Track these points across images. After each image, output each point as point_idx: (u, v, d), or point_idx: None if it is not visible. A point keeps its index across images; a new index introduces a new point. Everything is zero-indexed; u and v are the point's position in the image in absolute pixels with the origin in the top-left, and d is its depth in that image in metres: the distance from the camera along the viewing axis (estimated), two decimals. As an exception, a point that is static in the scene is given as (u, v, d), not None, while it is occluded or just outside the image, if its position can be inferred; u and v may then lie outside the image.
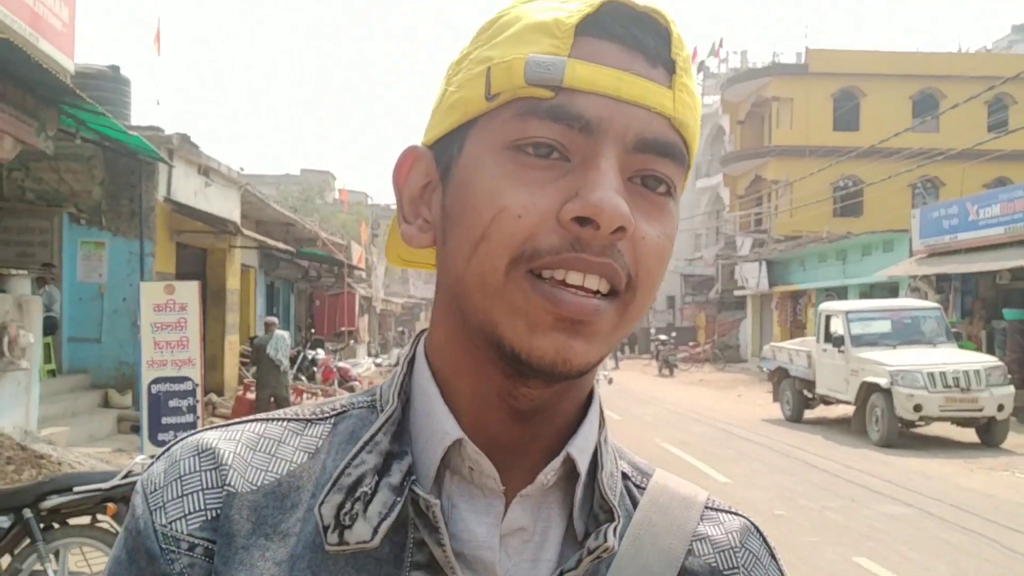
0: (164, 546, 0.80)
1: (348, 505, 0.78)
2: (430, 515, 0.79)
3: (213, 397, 17.10)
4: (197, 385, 11.55)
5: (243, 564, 0.79)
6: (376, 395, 0.90)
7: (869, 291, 29.62)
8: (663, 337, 41.79)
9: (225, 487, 0.82)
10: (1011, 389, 16.12)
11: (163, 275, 14.76)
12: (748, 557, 0.94)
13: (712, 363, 41.91)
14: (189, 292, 11.72)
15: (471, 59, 0.84)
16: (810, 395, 19.93)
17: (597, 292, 0.76)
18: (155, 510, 0.82)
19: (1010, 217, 21.50)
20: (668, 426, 16.08)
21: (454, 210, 0.81)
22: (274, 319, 16.24)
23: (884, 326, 18.15)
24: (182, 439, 0.87)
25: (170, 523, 0.81)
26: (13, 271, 10.96)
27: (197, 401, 11.58)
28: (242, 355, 19.84)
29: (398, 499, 0.79)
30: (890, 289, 27.72)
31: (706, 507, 0.96)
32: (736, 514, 0.99)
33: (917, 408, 15.72)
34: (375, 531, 0.77)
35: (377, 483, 0.80)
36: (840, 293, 31.18)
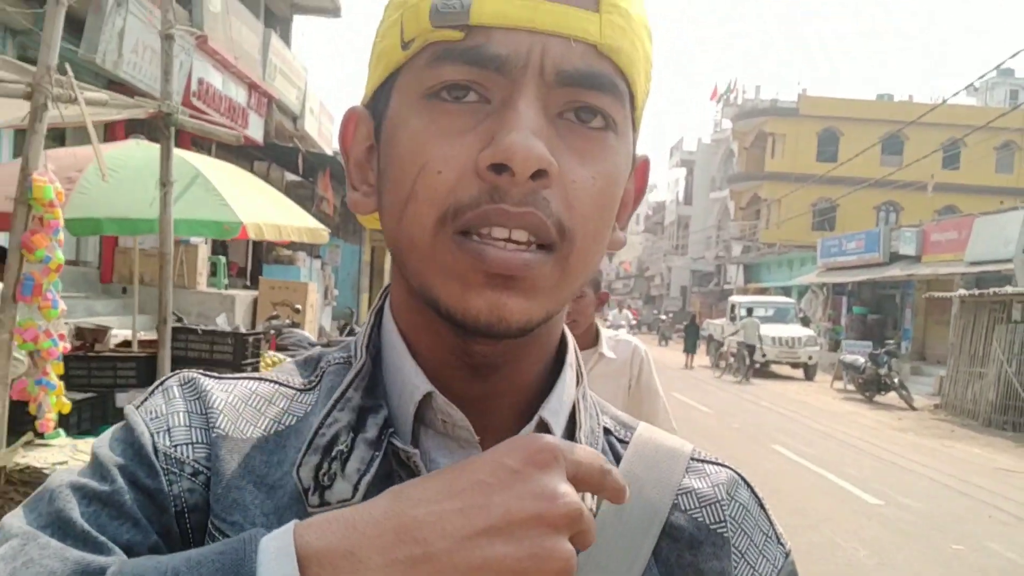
0: (166, 466, 0.78)
1: (326, 465, 0.76)
2: (411, 464, 0.77)
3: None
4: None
5: (237, 504, 0.77)
6: (350, 351, 0.87)
7: (805, 290, 41.72)
8: (663, 317, 54.84)
9: (216, 429, 0.81)
10: (817, 348, 29.50)
11: (367, 263, 28.25)
12: (737, 509, 0.90)
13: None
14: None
15: (391, 4, 0.79)
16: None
17: (529, 244, 0.71)
18: (158, 432, 0.80)
19: (859, 250, 34.44)
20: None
21: (384, 169, 0.78)
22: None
23: (762, 311, 31.56)
24: (177, 375, 0.87)
25: (175, 446, 0.79)
26: (327, 262, 24.35)
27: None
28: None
29: (376, 453, 0.77)
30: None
31: (692, 459, 0.92)
32: (723, 465, 0.95)
33: (764, 355, 29.07)
34: (355, 488, 0.75)
35: (353, 440, 0.78)
36: (786, 291, 43.23)
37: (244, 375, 0.89)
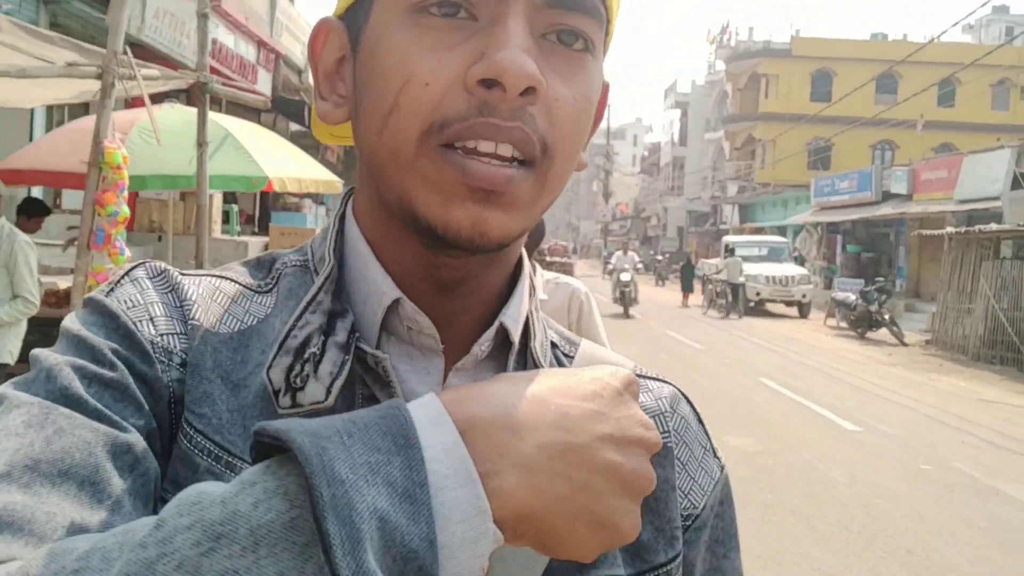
0: (156, 355, 0.78)
1: (298, 367, 0.77)
2: (379, 370, 0.78)
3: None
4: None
5: (207, 397, 0.77)
6: (307, 254, 0.88)
7: (800, 229, 42.34)
8: (659, 258, 55.54)
9: (192, 320, 0.81)
10: (811, 286, 30.23)
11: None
12: (679, 421, 0.94)
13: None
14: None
15: None
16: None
17: (512, 160, 0.73)
18: (140, 321, 0.79)
19: (851, 189, 35.07)
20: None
21: (364, 81, 0.78)
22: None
23: (754, 250, 32.29)
24: (143, 266, 0.85)
25: (162, 335, 0.79)
26: (330, 208, 24.95)
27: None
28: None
29: (346, 357, 0.77)
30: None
31: (635, 375, 0.85)
32: (664, 381, 0.98)
33: (758, 294, 29.87)
34: (328, 391, 0.76)
35: (324, 343, 0.78)
36: (782, 230, 43.93)
37: (205, 271, 0.89)
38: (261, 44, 17.99)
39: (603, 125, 0.96)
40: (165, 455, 0.75)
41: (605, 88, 0.87)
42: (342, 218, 0.87)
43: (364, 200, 0.84)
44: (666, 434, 0.91)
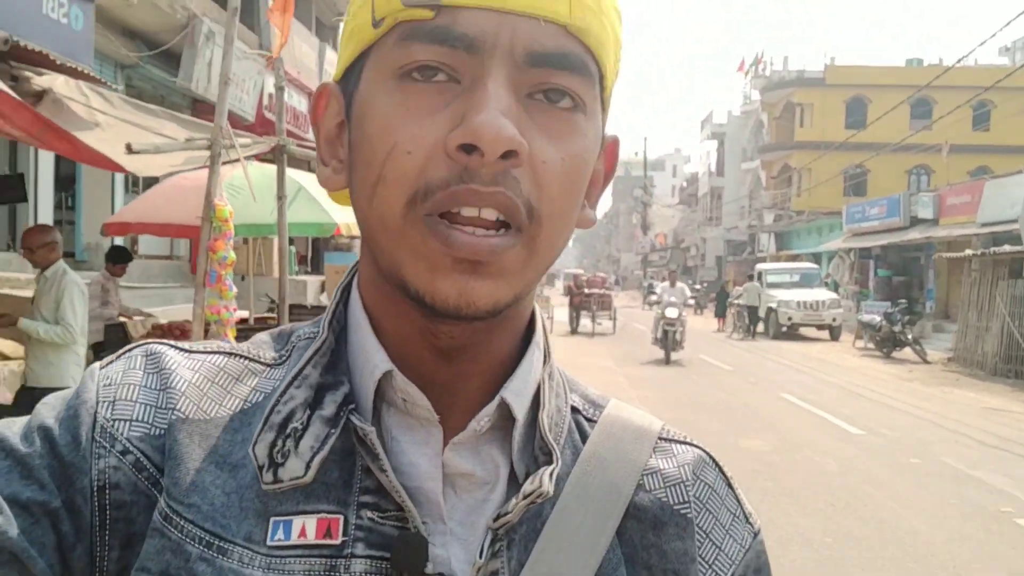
0: (97, 438, 0.78)
1: (280, 443, 0.76)
2: (368, 442, 0.76)
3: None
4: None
5: (196, 487, 0.77)
6: (319, 326, 0.87)
7: (834, 255, 43.16)
8: (697, 287, 56.58)
9: (175, 411, 0.80)
10: (841, 310, 31.37)
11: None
12: (702, 489, 0.90)
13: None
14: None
15: None
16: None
17: (498, 225, 0.71)
18: (103, 402, 0.80)
19: (881, 215, 36.14)
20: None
21: (355, 148, 0.77)
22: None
23: (786, 277, 33.55)
24: (145, 346, 0.86)
25: (114, 421, 0.79)
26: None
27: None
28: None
29: (332, 431, 0.77)
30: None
31: (659, 438, 0.92)
32: (691, 444, 0.94)
33: (789, 319, 31.07)
34: (307, 466, 0.75)
35: (309, 417, 0.78)
36: (816, 257, 44.95)
37: (215, 349, 0.88)
38: (311, 95, 19.55)
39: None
40: (80, 535, 0.76)
41: (614, 143, 0.87)
42: (346, 289, 0.87)
43: (365, 270, 0.84)
44: (686, 504, 0.88)
